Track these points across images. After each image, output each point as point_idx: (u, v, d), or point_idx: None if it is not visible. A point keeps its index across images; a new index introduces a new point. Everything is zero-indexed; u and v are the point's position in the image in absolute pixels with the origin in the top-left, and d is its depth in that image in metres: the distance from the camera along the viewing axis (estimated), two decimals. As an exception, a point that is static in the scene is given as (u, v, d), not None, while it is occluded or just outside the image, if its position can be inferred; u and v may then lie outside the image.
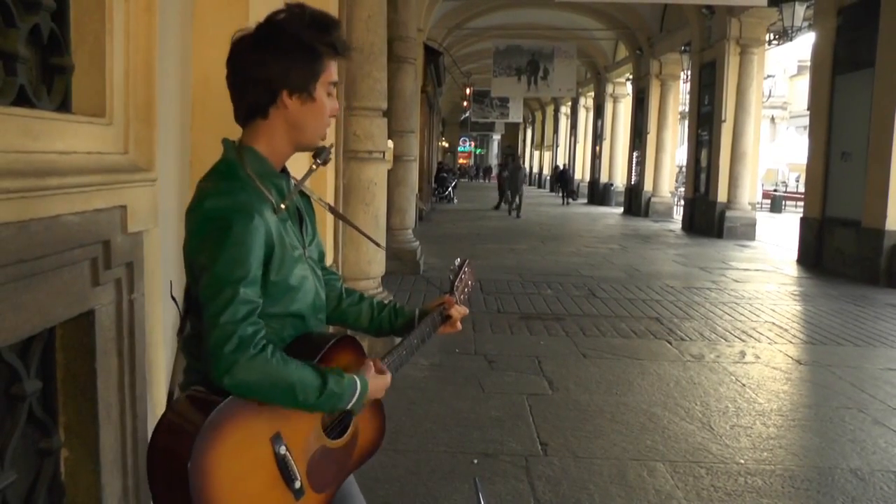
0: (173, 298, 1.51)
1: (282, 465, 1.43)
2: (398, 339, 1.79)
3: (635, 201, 22.95)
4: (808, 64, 15.99)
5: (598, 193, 28.21)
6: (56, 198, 1.64)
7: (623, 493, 3.34)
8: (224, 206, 1.41)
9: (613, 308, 7.79)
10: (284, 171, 1.58)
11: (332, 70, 1.53)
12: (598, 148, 29.00)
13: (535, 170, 48.60)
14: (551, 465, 3.63)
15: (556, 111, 40.47)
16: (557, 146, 40.52)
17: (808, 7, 13.29)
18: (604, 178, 28.09)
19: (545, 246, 13.67)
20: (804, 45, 19.96)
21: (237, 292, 1.37)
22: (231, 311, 1.37)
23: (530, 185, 45.16)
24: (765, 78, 18.46)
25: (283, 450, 1.43)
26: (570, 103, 36.21)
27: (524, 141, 57.44)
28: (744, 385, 5.09)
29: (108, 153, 1.91)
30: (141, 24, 2.05)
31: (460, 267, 1.97)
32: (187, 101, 2.88)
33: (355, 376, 1.52)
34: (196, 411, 1.39)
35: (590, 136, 31.53)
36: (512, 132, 59.07)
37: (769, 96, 32.15)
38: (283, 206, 1.50)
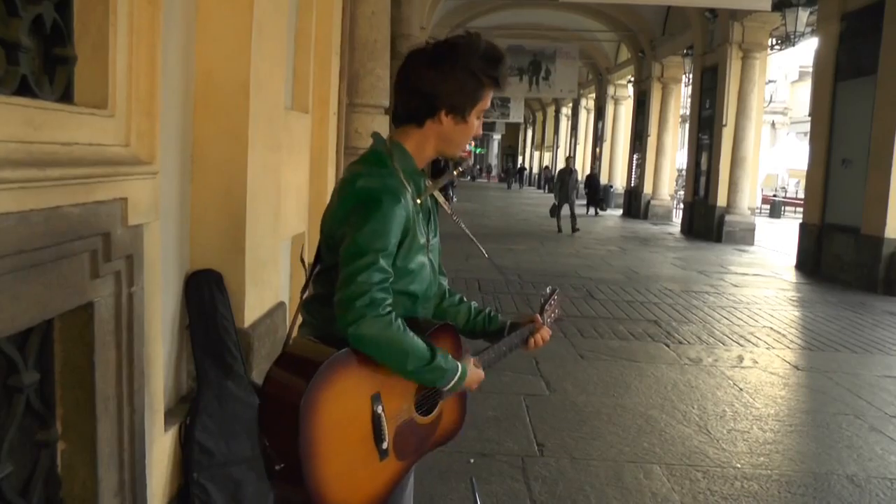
0: (302, 260, 1.74)
1: (376, 423, 1.57)
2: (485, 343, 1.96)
3: (635, 204, 22.96)
4: (810, 70, 16.00)
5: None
6: (57, 189, 1.63)
7: (619, 496, 3.34)
8: (376, 187, 1.62)
9: (611, 310, 7.79)
10: (423, 171, 1.77)
11: (488, 99, 1.71)
12: (598, 150, 29.03)
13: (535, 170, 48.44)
14: (548, 466, 3.62)
15: (557, 112, 40.49)
16: (558, 147, 40.53)
17: (811, 13, 13.29)
18: (603, 180, 28.09)
19: (543, 246, 13.66)
20: (806, 50, 20.02)
21: (376, 260, 1.55)
22: (368, 274, 1.54)
23: (529, 185, 45.14)
24: (766, 83, 18.45)
25: (379, 409, 1.58)
26: (571, 104, 36.24)
27: (524, 141, 57.43)
28: (741, 389, 5.09)
29: (109, 145, 1.90)
30: (145, 17, 2.04)
31: (550, 294, 2.10)
32: (190, 95, 2.87)
33: (458, 362, 1.69)
34: (311, 356, 1.57)
35: (590, 137, 31.57)
36: (512, 132, 59.08)
37: (770, 101, 32.23)
38: (418, 200, 1.70)
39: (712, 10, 16.30)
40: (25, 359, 1.67)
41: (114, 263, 1.88)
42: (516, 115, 39.58)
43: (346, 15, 5.56)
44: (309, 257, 1.83)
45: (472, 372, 1.75)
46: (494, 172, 61.25)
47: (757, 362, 5.88)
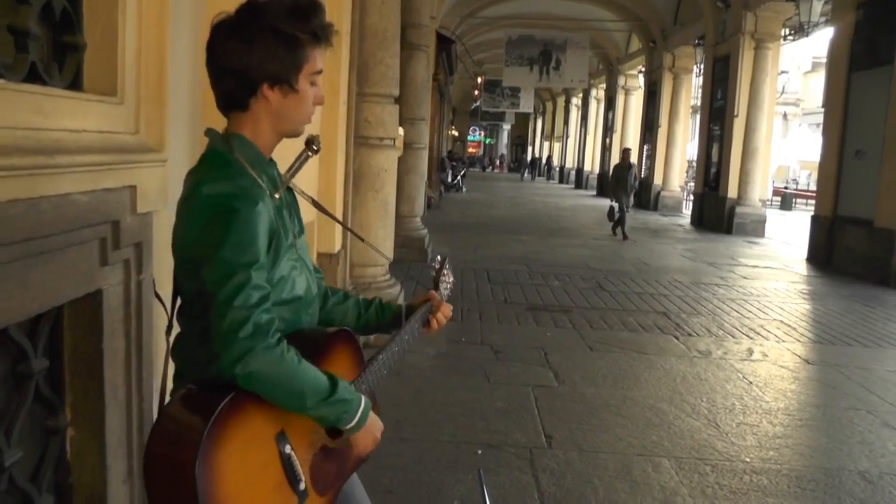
0: (158, 296, 1.47)
1: (287, 465, 1.37)
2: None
3: (644, 195, 22.84)
4: (823, 60, 15.85)
5: (608, 186, 28.08)
6: (65, 176, 1.62)
7: (627, 489, 3.33)
8: (226, 192, 1.36)
9: (621, 301, 7.76)
10: (271, 160, 1.53)
11: (316, 59, 1.46)
12: (608, 140, 28.87)
13: (551, 162, 48.20)
14: (556, 458, 3.61)
15: (568, 102, 40.30)
16: (567, 137, 40.37)
17: (825, 2, 13.15)
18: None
19: (553, 237, 13.62)
20: (819, 41, 19.82)
21: (249, 277, 1.31)
22: (244, 296, 1.30)
23: (540, 175, 44.98)
24: (778, 74, 18.28)
25: (287, 448, 1.37)
26: (581, 95, 36.04)
27: (534, 131, 57.25)
28: (751, 383, 5.06)
29: (118, 133, 1.89)
30: (154, 4, 2.03)
31: (441, 263, 1.94)
32: (199, 82, 2.85)
33: (363, 398, 1.47)
34: (195, 413, 1.30)
35: (600, 128, 31.41)
36: (522, 122, 58.93)
37: (782, 92, 31.92)
38: (276, 195, 1.46)
39: (724, 0, 16.16)
40: (35, 346, 1.67)
41: (123, 251, 1.88)
42: (526, 105, 39.45)
43: (357, 4, 5.54)
44: (163, 288, 1.55)
45: (373, 418, 1.51)
46: (504, 162, 60.95)
47: (767, 355, 5.85)
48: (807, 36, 14.87)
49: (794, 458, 3.80)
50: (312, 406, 1.36)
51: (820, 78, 28.22)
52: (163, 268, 2.19)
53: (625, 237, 13.83)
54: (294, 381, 1.33)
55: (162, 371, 1.50)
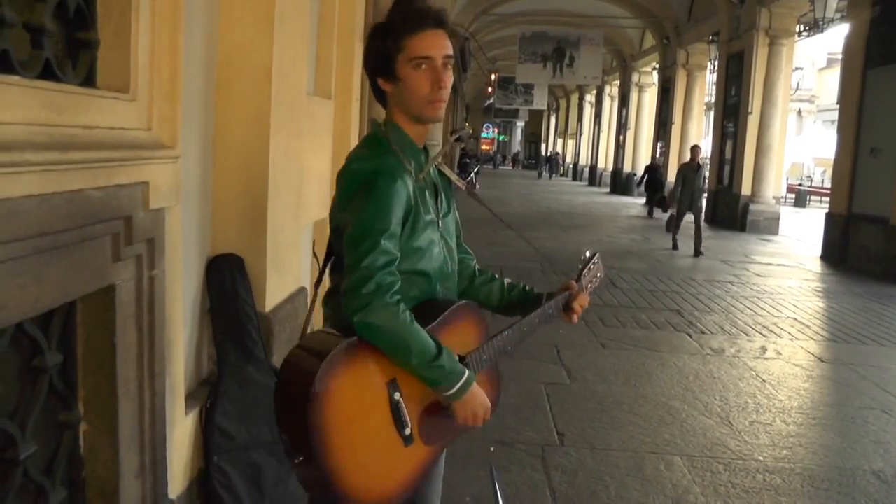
0: (315, 255, 1.71)
1: (395, 410, 1.53)
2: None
3: (658, 193, 22.73)
4: (838, 57, 15.71)
5: (621, 183, 27.99)
6: (78, 172, 1.63)
7: (639, 487, 3.31)
8: (370, 168, 1.58)
9: (634, 299, 7.73)
10: (425, 148, 1.73)
11: (415, 46, 1.60)
12: (621, 137, 28.76)
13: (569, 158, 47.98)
14: (568, 456, 3.60)
15: (581, 99, 40.14)
16: (581, 135, 40.22)
17: (841, -2, 13.04)
18: (626, 168, 27.84)
19: (566, 234, 13.58)
20: (834, 37, 19.64)
21: (378, 242, 1.50)
22: (372, 258, 1.49)
23: (553, 173, 44.83)
24: (793, 70, 18.12)
25: (397, 395, 1.53)
26: (594, 91, 35.91)
27: (548, 128, 57.11)
28: (764, 381, 5.03)
29: (131, 129, 1.90)
30: (167, 2, 2.03)
31: (590, 258, 2.05)
32: (212, 80, 2.87)
33: (467, 371, 1.59)
34: (321, 347, 1.50)
35: (614, 125, 31.29)
36: (536, 119, 58.77)
37: (797, 89, 31.65)
38: (420, 176, 1.65)
39: (739, -4, 16.07)
40: (49, 340, 1.69)
41: (135, 247, 1.89)
42: (540, 102, 39.33)
43: (370, 1, 5.54)
44: (320, 249, 1.81)
45: (478, 391, 1.62)
46: (519, 159, 60.67)
47: (780, 353, 5.81)
48: (821, 32, 14.73)
49: (807, 457, 3.77)
50: (416, 364, 1.52)
51: (835, 74, 28.03)
52: (176, 263, 2.21)
53: (697, 252, 11.55)
54: (403, 337, 1.50)
55: (305, 317, 1.80)
